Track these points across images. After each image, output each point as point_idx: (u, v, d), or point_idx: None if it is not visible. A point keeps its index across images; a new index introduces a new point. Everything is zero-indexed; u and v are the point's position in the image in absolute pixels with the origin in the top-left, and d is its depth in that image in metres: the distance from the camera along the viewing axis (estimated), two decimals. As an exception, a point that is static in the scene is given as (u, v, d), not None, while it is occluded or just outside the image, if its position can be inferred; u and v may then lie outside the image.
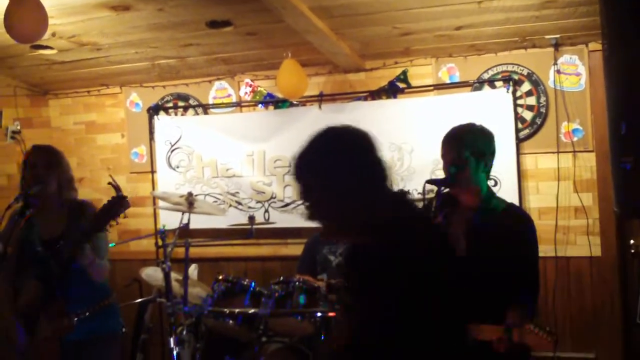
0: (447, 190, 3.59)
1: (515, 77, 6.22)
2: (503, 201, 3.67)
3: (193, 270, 6.10)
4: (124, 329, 5.73)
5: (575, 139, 6.10)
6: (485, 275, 3.40)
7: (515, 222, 3.55)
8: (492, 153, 3.65)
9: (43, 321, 3.97)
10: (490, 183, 5.81)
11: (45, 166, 4.30)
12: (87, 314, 4.15)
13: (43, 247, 4.17)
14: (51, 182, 4.28)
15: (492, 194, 3.68)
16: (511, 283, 3.38)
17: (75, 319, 4.01)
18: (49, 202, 4.31)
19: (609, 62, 2.71)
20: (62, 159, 4.42)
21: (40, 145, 4.51)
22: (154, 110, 7.37)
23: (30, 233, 4.25)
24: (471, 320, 3.30)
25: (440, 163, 3.70)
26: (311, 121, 6.73)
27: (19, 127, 7.26)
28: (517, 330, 3.08)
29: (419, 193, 5.55)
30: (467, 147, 3.51)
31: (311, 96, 6.77)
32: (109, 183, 4.07)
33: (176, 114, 7.40)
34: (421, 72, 6.59)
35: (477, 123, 3.72)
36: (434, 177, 6.08)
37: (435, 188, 3.47)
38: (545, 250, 6.06)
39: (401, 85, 6.56)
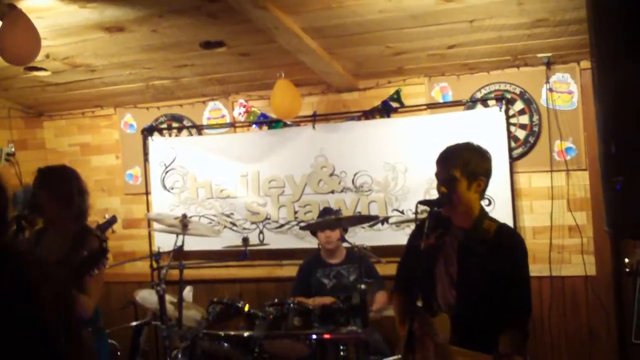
0: (439, 210, 3.56)
1: (508, 95, 6.24)
2: (495, 221, 3.65)
3: (188, 292, 6.08)
4: (118, 353, 5.73)
5: (568, 157, 6.11)
6: (478, 299, 3.38)
7: (507, 243, 3.51)
8: (485, 173, 3.61)
9: None
10: (484, 202, 5.84)
11: (45, 189, 4.27)
12: None
13: None
14: (51, 205, 4.24)
15: (485, 214, 3.66)
16: (503, 305, 3.36)
17: None
18: (54, 226, 4.30)
19: (598, 81, 2.70)
20: (64, 183, 4.29)
21: (45, 167, 4.43)
22: (148, 132, 7.38)
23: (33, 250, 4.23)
24: (462, 345, 3.29)
25: (435, 182, 3.69)
26: (305, 141, 6.77)
27: (13, 149, 7.25)
28: None
29: (413, 213, 5.61)
30: (459, 166, 3.49)
31: (305, 116, 6.77)
32: (96, 235, 4.11)
33: (170, 135, 7.40)
34: (414, 92, 6.60)
35: (474, 143, 3.70)
36: (428, 196, 6.10)
37: (427, 208, 3.45)
38: (540, 269, 6.07)
39: (394, 104, 6.57)
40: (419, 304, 3.58)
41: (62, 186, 4.27)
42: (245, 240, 5.60)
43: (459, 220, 3.58)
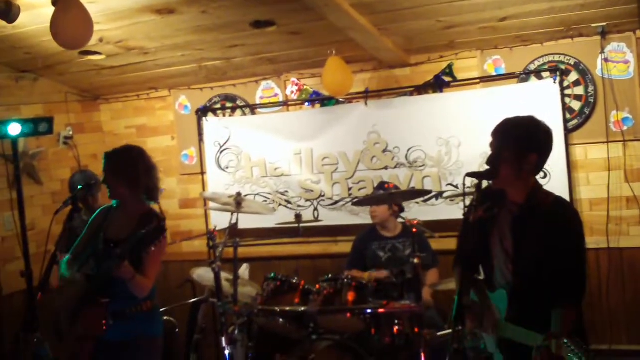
0: (488, 183, 3.53)
1: (562, 67, 6.14)
2: (550, 195, 3.59)
3: (245, 269, 6.14)
4: (177, 330, 5.81)
5: (625, 128, 6.00)
6: (534, 274, 3.36)
7: (562, 216, 3.46)
8: (538, 148, 3.52)
9: (81, 320, 4.04)
10: (540, 175, 5.81)
11: (111, 172, 4.35)
12: (129, 315, 4.15)
13: (104, 245, 4.22)
14: (118, 187, 4.32)
15: (539, 187, 3.60)
16: (558, 279, 3.32)
17: (111, 322, 4.04)
18: (123, 206, 4.39)
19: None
20: (129, 165, 4.36)
21: (111, 151, 4.50)
22: (202, 112, 7.45)
23: (99, 230, 4.32)
24: (517, 322, 3.28)
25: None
26: (358, 118, 6.77)
27: (71, 133, 7.37)
28: (555, 342, 3.01)
29: (467, 187, 5.58)
30: (509, 140, 3.45)
31: (357, 93, 6.77)
32: (157, 214, 4.21)
33: (224, 115, 7.46)
34: (467, 65, 6.55)
35: (535, 117, 3.62)
36: (481, 170, 6.05)
37: (475, 181, 3.42)
38: (597, 241, 6.00)
39: (447, 79, 6.54)
40: (481, 277, 3.59)
41: (128, 168, 4.35)
42: (298, 216, 5.64)
43: (512, 195, 3.55)
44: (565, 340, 2.84)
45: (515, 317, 3.32)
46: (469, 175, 3.44)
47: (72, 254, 4.32)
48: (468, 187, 3.56)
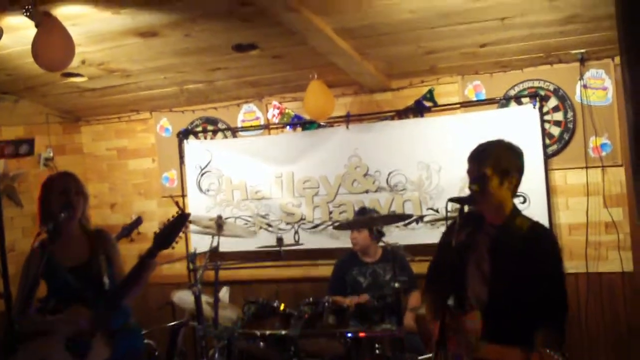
0: (469, 208, 3.56)
1: (542, 92, 6.21)
2: (528, 219, 3.64)
3: (224, 292, 6.13)
4: (156, 353, 5.78)
5: (603, 153, 6.07)
6: (511, 295, 3.38)
7: (540, 240, 3.49)
8: (517, 170, 3.61)
9: (98, 346, 3.99)
10: (519, 200, 5.86)
11: (76, 192, 4.32)
12: (117, 334, 4.13)
13: (71, 274, 4.17)
14: (79, 209, 4.30)
15: (518, 211, 3.65)
16: (537, 303, 3.35)
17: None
18: (70, 229, 4.32)
19: (628, 79, 2.71)
20: (85, 187, 4.40)
21: (68, 171, 4.47)
22: (183, 135, 7.46)
23: (51, 261, 4.23)
24: (494, 342, 3.29)
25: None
26: (339, 141, 6.81)
27: (51, 154, 7.35)
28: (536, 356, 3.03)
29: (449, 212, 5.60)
30: (490, 163, 3.49)
31: (338, 117, 6.81)
32: (175, 202, 4.17)
33: (205, 138, 7.47)
34: (447, 90, 6.61)
35: (505, 139, 3.70)
36: (462, 195, 6.09)
37: (458, 206, 3.46)
38: (576, 266, 6.04)
39: (428, 104, 6.58)
40: (450, 302, 3.59)
41: (84, 190, 4.36)
42: (280, 240, 5.66)
43: (491, 218, 3.58)
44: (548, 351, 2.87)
45: (491, 337, 3.33)
46: (452, 200, 3.47)
47: (21, 297, 4.20)
48: (449, 212, 3.59)
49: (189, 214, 4.05)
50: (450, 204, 3.46)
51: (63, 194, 4.26)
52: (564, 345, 3.30)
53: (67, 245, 4.25)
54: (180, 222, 3.98)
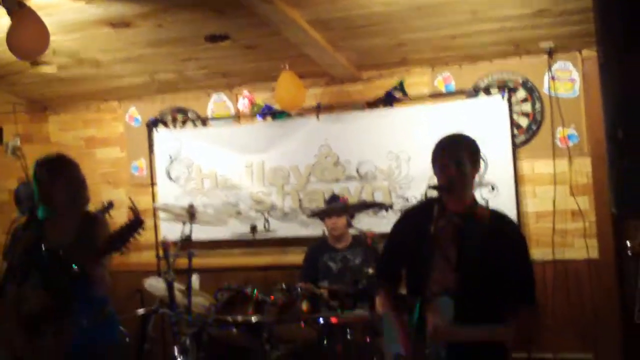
0: (429, 196, 3.61)
1: (511, 84, 6.30)
2: (487, 207, 3.72)
3: (195, 280, 6.14)
4: (127, 339, 5.78)
5: (570, 144, 6.18)
6: (480, 281, 3.44)
7: (505, 226, 3.58)
8: (479, 161, 3.69)
9: (47, 332, 4.00)
10: (488, 189, 5.95)
11: (49, 181, 4.31)
12: (87, 323, 4.12)
13: (48, 255, 4.17)
14: (57, 194, 4.28)
15: (476, 201, 3.73)
16: (508, 285, 3.42)
17: (74, 329, 4.02)
18: (60, 213, 4.33)
19: (604, 70, 2.77)
20: (66, 170, 4.32)
21: (43, 158, 4.39)
22: (153, 124, 7.46)
23: (38, 240, 4.25)
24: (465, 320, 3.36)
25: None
26: (309, 131, 6.85)
27: (19, 143, 7.28)
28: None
29: (419, 201, 5.68)
30: (466, 154, 3.55)
31: (309, 107, 6.84)
32: (130, 207, 4.12)
33: (175, 127, 7.47)
34: (417, 81, 6.68)
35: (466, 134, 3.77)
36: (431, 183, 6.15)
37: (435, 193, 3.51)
38: (543, 253, 6.14)
39: (398, 94, 6.64)
40: (403, 292, 3.66)
41: (70, 174, 4.32)
42: (254, 227, 5.70)
43: (452, 205, 3.61)
44: None
45: (462, 321, 3.38)
46: (432, 187, 3.52)
47: (11, 266, 4.23)
48: (424, 197, 3.65)
49: (142, 221, 4.01)
50: (424, 191, 3.52)
51: (39, 184, 4.28)
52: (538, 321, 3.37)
53: (56, 228, 4.25)
54: (133, 227, 3.96)
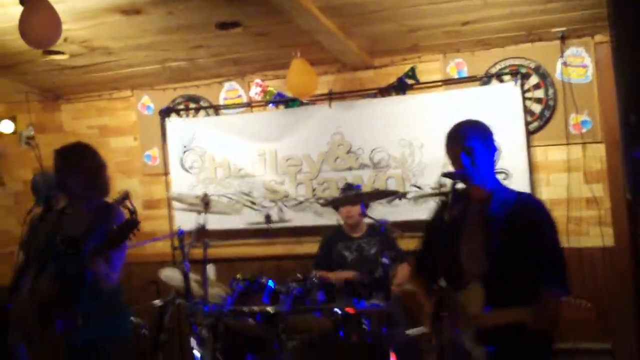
0: (459, 184, 3.60)
1: (523, 70, 6.27)
2: (512, 190, 3.71)
3: (211, 270, 6.15)
4: (144, 331, 5.79)
5: (584, 130, 6.14)
6: (510, 264, 3.42)
7: (530, 206, 3.57)
8: (496, 147, 3.67)
9: (55, 322, 4.00)
10: (501, 176, 5.92)
11: (64, 170, 4.31)
12: (94, 315, 4.11)
13: (63, 245, 4.16)
14: (72, 184, 4.28)
15: (500, 184, 3.71)
16: (538, 267, 3.41)
17: (80, 322, 4.01)
18: (77, 203, 4.33)
19: (617, 55, 2.75)
20: (81, 160, 4.31)
21: (61, 148, 4.40)
22: (165, 113, 7.46)
23: (55, 231, 4.25)
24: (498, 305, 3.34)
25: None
26: (322, 119, 6.84)
27: (32, 133, 7.29)
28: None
29: (431, 188, 5.67)
30: (480, 140, 3.54)
31: (321, 94, 6.82)
32: (127, 208, 4.12)
33: (188, 116, 7.47)
34: (429, 68, 6.65)
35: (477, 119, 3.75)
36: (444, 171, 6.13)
37: (449, 181, 3.50)
38: (557, 241, 6.10)
39: (410, 81, 6.62)
40: (442, 283, 3.63)
41: (86, 163, 4.30)
42: (268, 217, 5.69)
43: (475, 192, 3.62)
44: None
45: (494, 305, 3.37)
46: (445, 175, 3.51)
47: (28, 257, 4.25)
48: (434, 188, 3.63)
49: (138, 222, 4.00)
50: (437, 179, 3.51)
51: (55, 173, 4.30)
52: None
53: (73, 218, 4.26)
54: (129, 228, 3.95)
